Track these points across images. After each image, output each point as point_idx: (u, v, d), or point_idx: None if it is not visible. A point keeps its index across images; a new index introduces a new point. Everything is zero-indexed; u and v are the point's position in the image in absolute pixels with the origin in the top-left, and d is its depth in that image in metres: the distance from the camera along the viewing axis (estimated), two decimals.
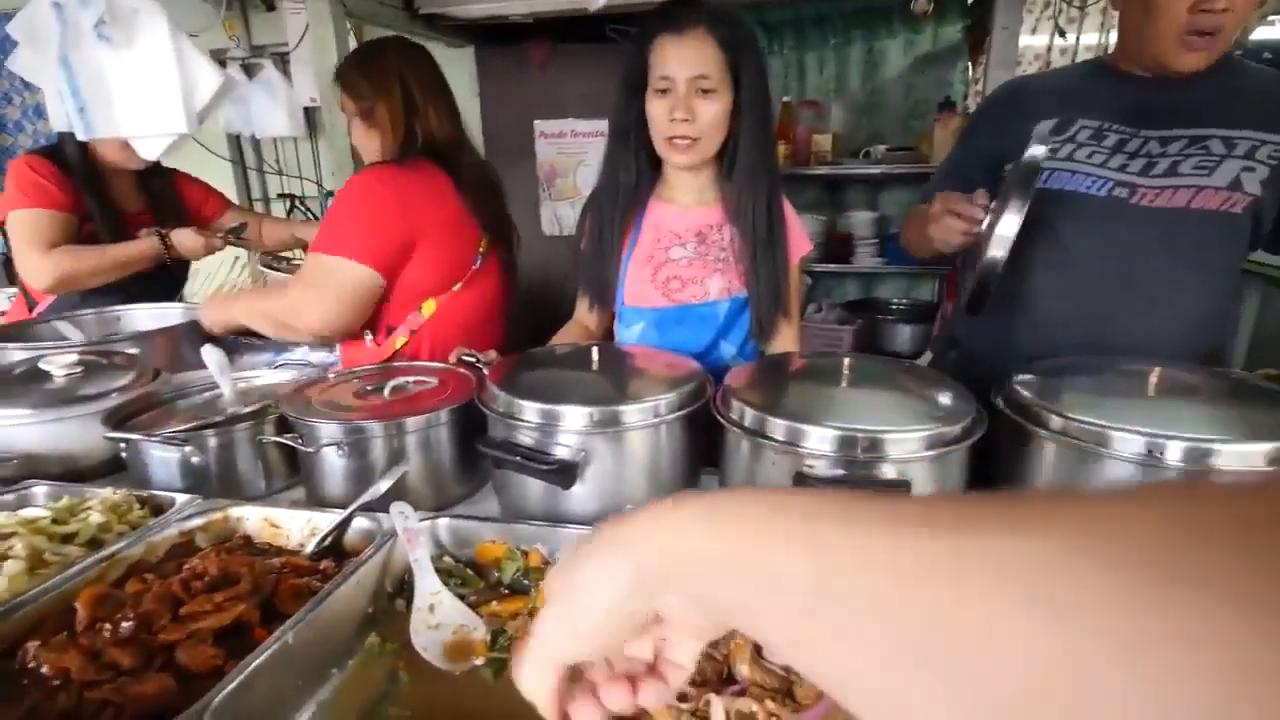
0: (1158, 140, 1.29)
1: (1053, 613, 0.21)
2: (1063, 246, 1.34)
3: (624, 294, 1.48)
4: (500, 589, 0.91)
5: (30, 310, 2.10)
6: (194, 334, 1.73)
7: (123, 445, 1.15)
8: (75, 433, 1.22)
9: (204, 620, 0.77)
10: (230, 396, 1.27)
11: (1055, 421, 0.92)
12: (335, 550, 0.97)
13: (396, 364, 1.37)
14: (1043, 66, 3.40)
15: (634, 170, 1.43)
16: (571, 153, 3.53)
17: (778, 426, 0.91)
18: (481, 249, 1.71)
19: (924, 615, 0.24)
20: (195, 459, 1.12)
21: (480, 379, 1.15)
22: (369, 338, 1.67)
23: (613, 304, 1.51)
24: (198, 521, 0.99)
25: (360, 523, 0.98)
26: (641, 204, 1.46)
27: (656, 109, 1.32)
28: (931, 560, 0.25)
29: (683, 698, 0.63)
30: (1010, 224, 1.05)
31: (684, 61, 1.27)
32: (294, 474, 1.20)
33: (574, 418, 0.98)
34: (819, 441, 0.88)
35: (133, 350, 1.54)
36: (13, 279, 2.15)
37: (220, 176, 3.66)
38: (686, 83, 1.28)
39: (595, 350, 1.17)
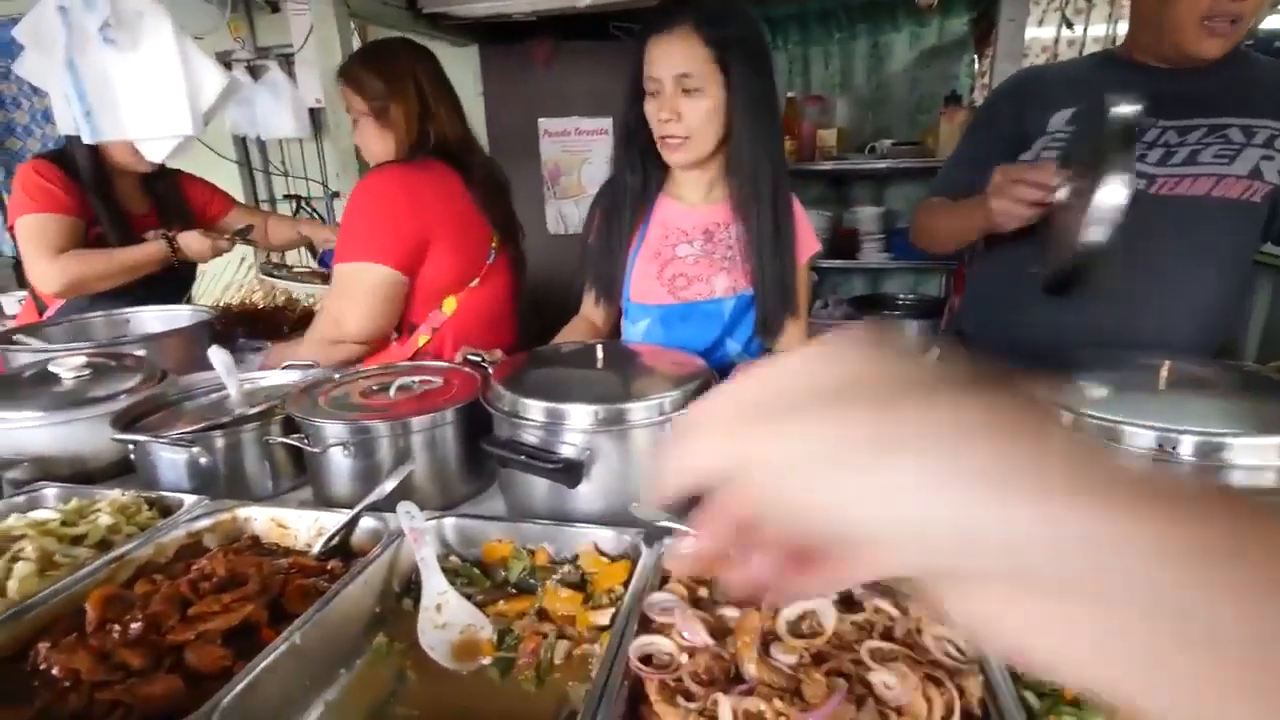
0: (1175, 130, 1.28)
1: None
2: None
3: (630, 290, 1.48)
4: (507, 588, 0.91)
5: (40, 313, 2.12)
6: (201, 335, 1.74)
7: (131, 447, 1.16)
8: (84, 435, 1.23)
9: (212, 621, 0.77)
10: (237, 397, 1.28)
11: (1065, 417, 0.91)
12: (342, 550, 0.97)
13: (401, 364, 1.37)
14: (1050, 59, 3.36)
15: (639, 170, 1.44)
16: (576, 151, 3.52)
17: None
18: (494, 245, 1.74)
19: None
20: (203, 460, 1.12)
21: (485, 378, 1.15)
22: (393, 336, 1.70)
23: (619, 299, 1.51)
24: (206, 522, 0.99)
25: (367, 522, 0.98)
26: (650, 201, 1.47)
27: (649, 110, 1.33)
28: None
29: (689, 697, 0.63)
30: (1114, 193, 0.94)
31: (668, 61, 1.28)
32: (301, 474, 1.20)
33: (579, 416, 0.98)
34: None
35: (141, 352, 1.55)
36: (23, 282, 2.17)
37: (227, 178, 3.68)
38: (672, 82, 1.29)
39: (600, 348, 1.16)
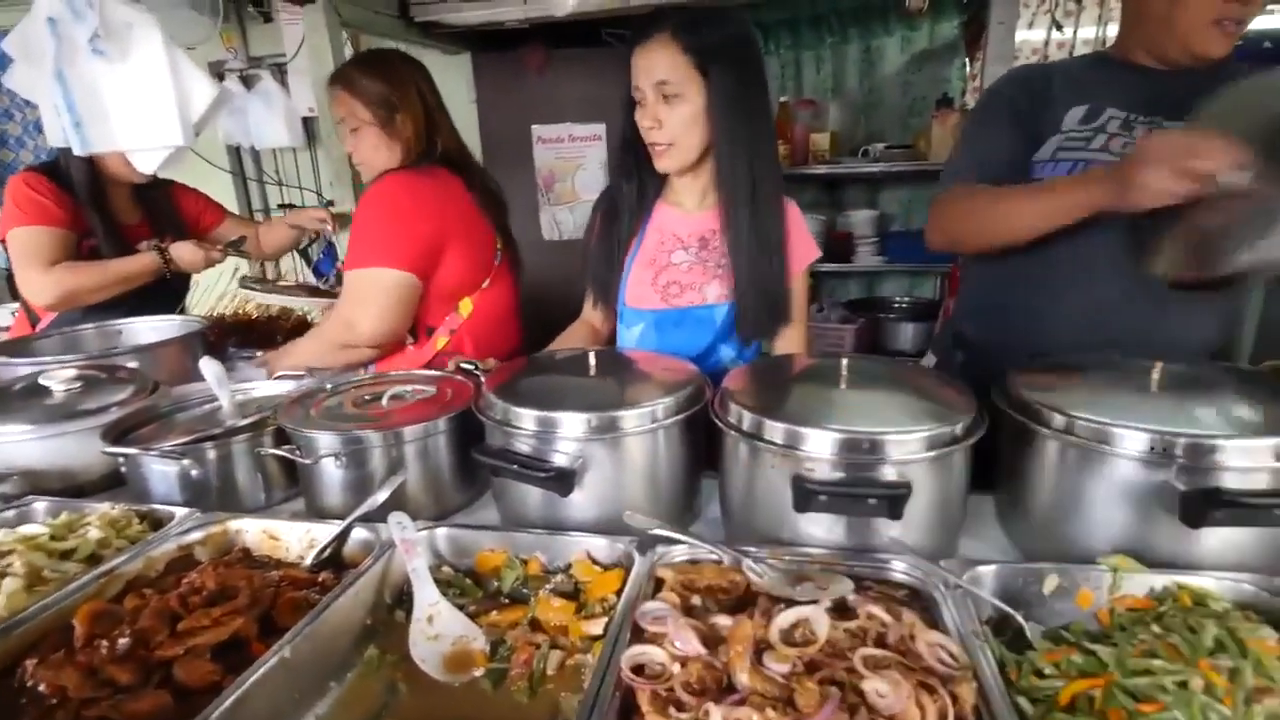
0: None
1: None
2: (1086, 239, 1.25)
3: (625, 295, 1.49)
4: (500, 598, 0.90)
5: (33, 326, 2.11)
6: (193, 346, 1.74)
7: (122, 460, 1.15)
8: (75, 448, 1.22)
9: (201, 636, 0.76)
10: (229, 409, 1.27)
11: (1057, 419, 0.91)
12: (334, 562, 0.96)
13: (394, 373, 1.37)
14: (1040, 60, 3.38)
15: (635, 177, 1.46)
16: (569, 157, 3.53)
17: (776, 430, 0.90)
18: (498, 247, 1.78)
19: None
20: (194, 472, 1.12)
21: (478, 387, 1.15)
22: (409, 340, 1.71)
23: (616, 303, 1.52)
24: (197, 535, 0.98)
25: (359, 533, 0.98)
26: (647, 208, 1.48)
27: (637, 118, 1.35)
28: None
29: (680, 707, 0.62)
30: None
31: (647, 69, 1.30)
32: (294, 485, 1.20)
33: (571, 424, 0.97)
34: (817, 444, 0.87)
35: (133, 364, 1.54)
36: (15, 295, 2.16)
37: (220, 188, 3.67)
38: (653, 89, 1.30)
39: (592, 356, 1.16)
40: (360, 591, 0.86)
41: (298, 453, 1.09)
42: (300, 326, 2.19)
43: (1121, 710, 0.60)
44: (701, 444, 1.08)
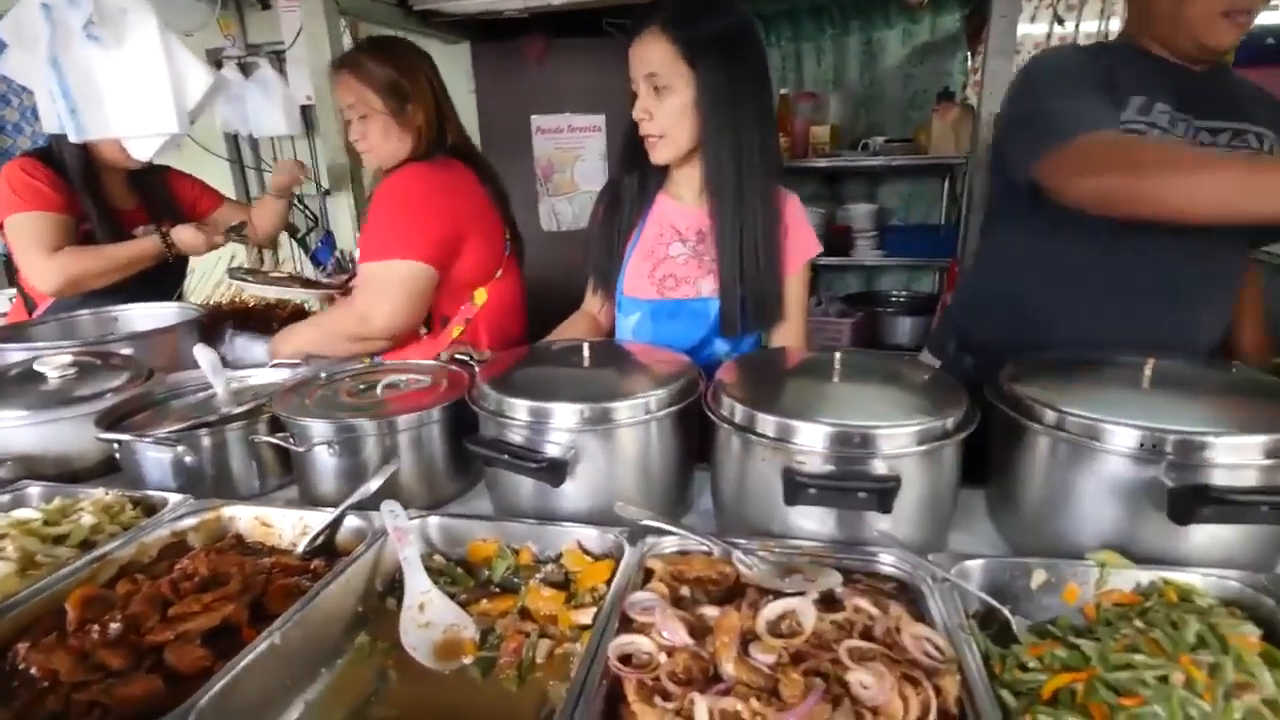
0: (1208, 130, 1.26)
1: None
2: (1113, 237, 1.23)
3: (624, 284, 1.49)
4: (490, 587, 0.91)
5: (30, 312, 2.11)
6: (189, 333, 1.73)
7: (116, 446, 1.15)
8: (70, 434, 1.22)
9: (192, 621, 0.77)
10: (224, 396, 1.27)
11: (1048, 415, 0.91)
12: (327, 549, 0.97)
13: (389, 362, 1.37)
14: None
15: (635, 168, 1.46)
16: (569, 148, 3.52)
17: (767, 423, 0.90)
18: (507, 237, 1.79)
19: None
20: (188, 459, 1.12)
21: (473, 377, 1.15)
22: (422, 330, 1.72)
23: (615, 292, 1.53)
24: (190, 521, 0.99)
25: (352, 521, 0.98)
26: (647, 199, 1.49)
27: (633, 110, 1.35)
28: None
29: (666, 696, 0.63)
30: None
31: (638, 61, 1.31)
32: (288, 473, 1.20)
33: (563, 415, 0.98)
34: (808, 437, 0.87)
35: (127, 351, 1.54)
36: (12, 280, 2.16)
37: (218, 175, 3.66)
38: (644, 82, 1.31)
39: (587, 347, 1.16)
40: (352, 579, 0.86)
41: (291, 440, 1.09)
42: (297, 314, 2.19)
43: (1103, 704, 0.61)
44: (694, 436, 1.08)
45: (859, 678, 0.62)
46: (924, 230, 3.71)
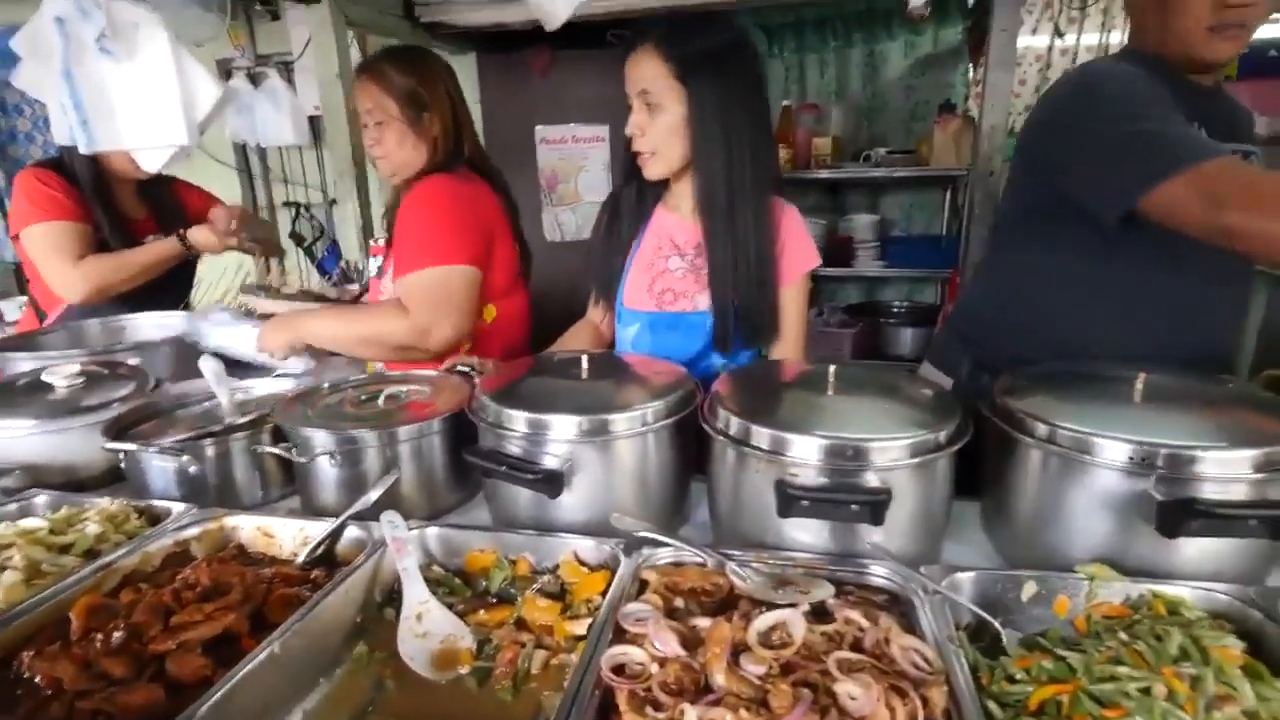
0: None
1: None
2: (1145, 254, 1.24)
3: (623, 295, 1.51)
4: (488, 598, 0.92)
5: (40, 321, 2.13)
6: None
7: (121, 455, 1.17)
8: (76, 444, 1.24)
9: (194, 630, 0.78)
10: (228, 406, 1.29)
11: (1040, 428, 0.92)
12: (327, 559, 0.98)
13: (391, 373, 1.38)
14: (1043, 68, 3.38)
15: (634, 181, 1.48)
16: (572, 158, 3.54)
17: (761, 435, 0.91)
18: (519, 247, 1.79)
19: None
20: (192, 469, 1.14)
21: (474, 388, 1.16)
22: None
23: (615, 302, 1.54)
24: (193, 531, 1.00)
25: (353, 532, 0.99)
26: (646, 212, 1.51)
27: (626, 127, 1.38)
28: None
29: (657, 706, 0.64)
30: None
31: (632, 78, 1.33)
32: (291, 483, 1.21)
33: (561, 427, 0.99)
34: (801, 449, 0.88)
35: (134, 360, 1.56)
36: (23, 289, 2.18)
37: (226, 185, 3.71)
38: (637, 98, 1.33)
39: (585, 359, 1.18)
40: (351, 589, 0.88)
41: (293, 451, 1.11)
42: None
43: (1087, 715, 0.62)
44: (691, 448, 1.09)
45: (847, 689, 0.63)
46: (925, 241, 3.73)
